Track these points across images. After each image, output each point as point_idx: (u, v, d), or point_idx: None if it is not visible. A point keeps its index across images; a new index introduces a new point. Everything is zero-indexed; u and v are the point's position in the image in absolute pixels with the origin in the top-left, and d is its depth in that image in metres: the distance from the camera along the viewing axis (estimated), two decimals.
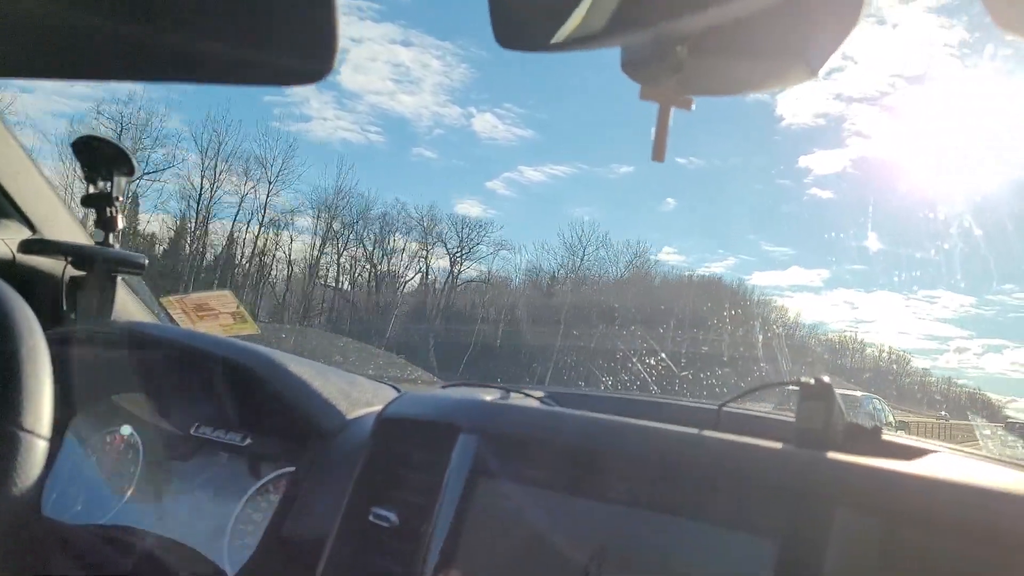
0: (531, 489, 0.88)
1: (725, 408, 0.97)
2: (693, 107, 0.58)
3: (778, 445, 0.79)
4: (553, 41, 0.56)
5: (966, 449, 0.92)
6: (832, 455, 0.76)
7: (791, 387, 0.86)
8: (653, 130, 0.57)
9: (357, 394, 1.23)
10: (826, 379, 0.81)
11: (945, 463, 0.77)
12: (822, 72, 0.57)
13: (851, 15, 0.54)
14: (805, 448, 0.78)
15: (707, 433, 0.84)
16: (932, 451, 0.84)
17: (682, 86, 0.57)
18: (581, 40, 0.55)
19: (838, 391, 0.82)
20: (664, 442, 0.84)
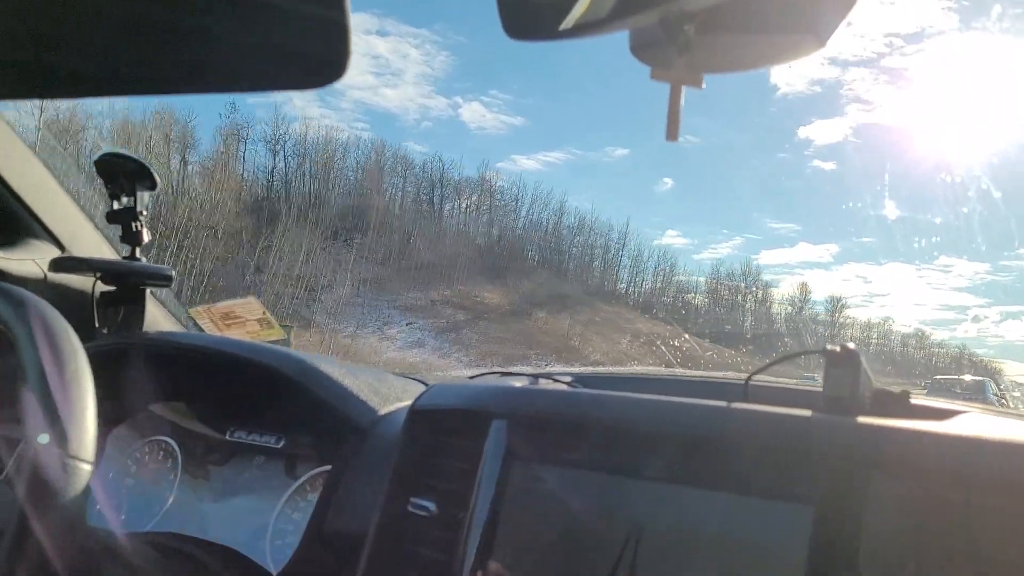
0: (566, 470, 0.89)
1: (752, 380, 0.97)
2: (704, 86, 0.59)
3: (808, 413, 0.80)
4: (562, 28, 0.57)
5: (996, 408, 0.92)
6: (863, 419, 0.76)
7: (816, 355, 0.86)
8: (666, 111, 0.58)
9: (386, 390, 1.25)
10: (851, 346, 0.81)
11: (976, 422, 0.78)
12: (831, 41, 0.58)
13: None
14: (835, 415, 0.79)
15: (737, 405, 0.84)
16: (962, 412, 0.84)
17: (692, 65, 0.57)
18: (589, 26, 0.55)
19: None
20: (695, 416, 0.85)
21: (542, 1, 0.59)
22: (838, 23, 0.56)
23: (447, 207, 63.90)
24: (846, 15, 0.56)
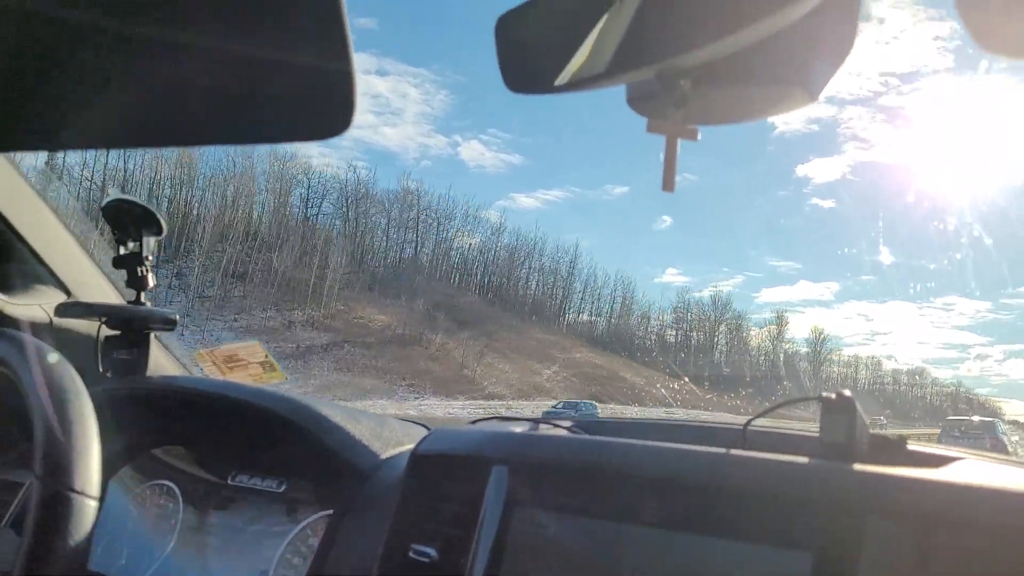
0: (566, 516, 0.89)
1: (750, 426, 0.98)
2: (699, 137, 0.60)
3: (805, 459, 0.80)
4: (561, 83, 0.59)
5: (993, 455, 0.92)
6: (859, 466, 0.77)
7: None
8: (662, 160, 0.59)
9: (389, 434, 1.25)
10: (847, 393, 0.82)
11: (972, 469, 0.78)
12: (822, 95, 0.59)
13: (847, 41, 0.56)
14: (832, 461, 0.79)
15: (734, 452, 0.85)
16: (959, 458, 0.85)
17: (687, 118, 0.59)
18: (587, 80, 0.57)
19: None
20: (695, 463, 0.86)
21: (542, 56, 0.61)
22: (829, 78, 0.58)
23: (363, 222, 61.82)
24: (836, 71, 0.58)
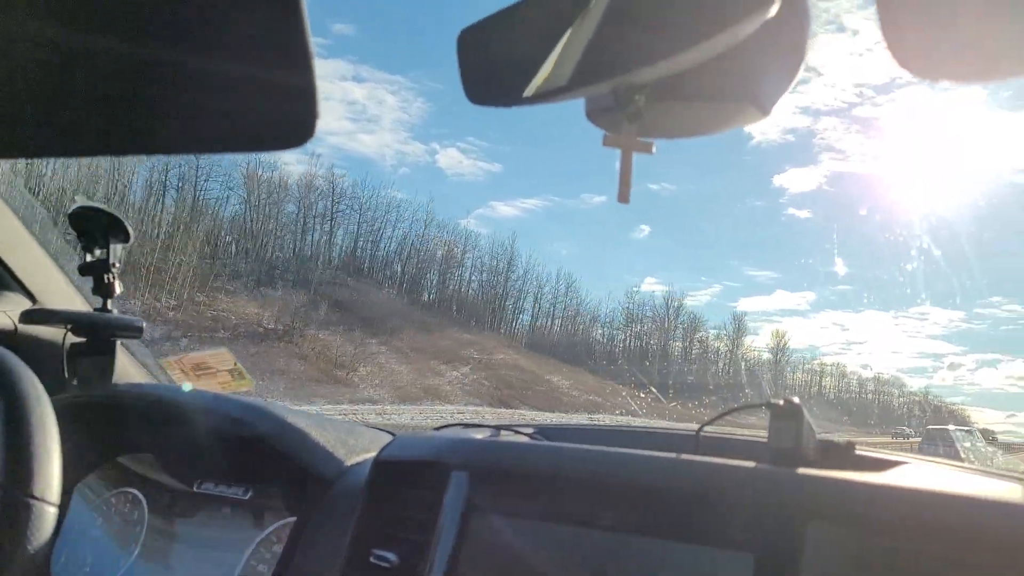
0: (523, 521, 0.90)
1: (703, 432, 1.00)
2: (655, 150, 0.62)
3: (752, 464, 0.83)
4: (521, 96, 0.60)
5: (936, 460, 0.95)
6: (804, 471, 0.79)
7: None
8: (617, 171, 0.61)
9: (354, 441, 1.26)
10: (795, 400, 0.84)
11: (915, 473, 0.81)
12: (774, 110, 0.62)
13: (795, 59, 0.59)
14: (779, 466, 0.82)
15: (686, 457, 0.87)
16: (903, 463, 0.87)
17: (642, 132, 0.61)
18: (547, 93, 0.59)
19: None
20: (646, 468, 0.88)
21: (502, 70, 0.63)
22: (780, 94, 0.60)
23: (263, 208, 57.19)
24: (787, 87, 0.60)
